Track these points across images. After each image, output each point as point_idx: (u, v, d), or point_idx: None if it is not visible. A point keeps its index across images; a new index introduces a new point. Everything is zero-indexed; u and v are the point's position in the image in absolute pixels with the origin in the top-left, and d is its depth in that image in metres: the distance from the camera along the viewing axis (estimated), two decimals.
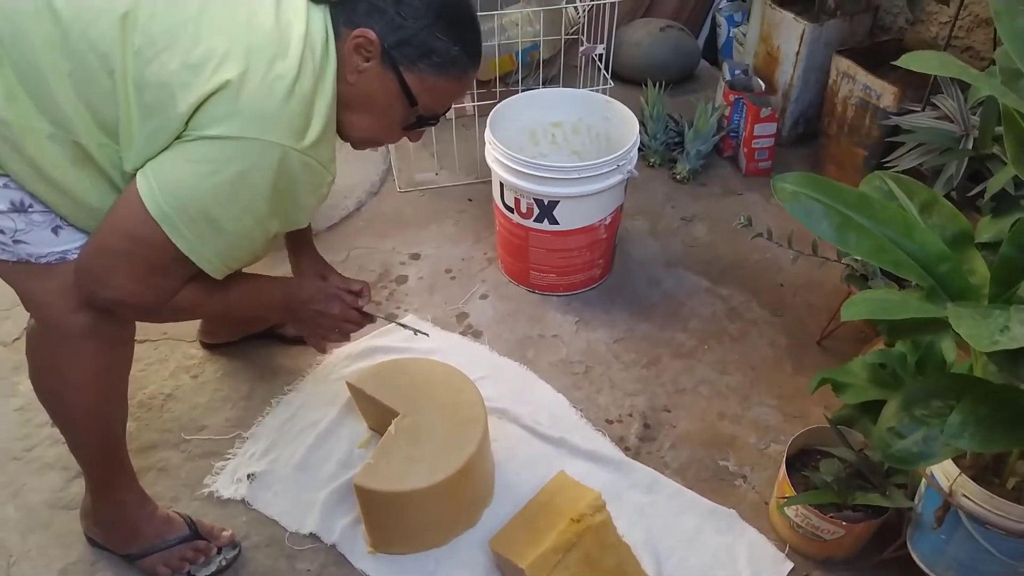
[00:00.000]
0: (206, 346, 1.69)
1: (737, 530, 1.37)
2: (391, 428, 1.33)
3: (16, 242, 1.02)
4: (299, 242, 1.42)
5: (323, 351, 1.47)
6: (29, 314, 1.11)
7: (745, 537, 1.36)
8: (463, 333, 1.75)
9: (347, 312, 1.33)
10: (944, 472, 1.08)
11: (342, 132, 1.14)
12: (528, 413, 1.55)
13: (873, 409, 1.33)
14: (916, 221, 0.99)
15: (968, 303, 0.92)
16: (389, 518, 1.30)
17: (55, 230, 1.04)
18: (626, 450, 1.50)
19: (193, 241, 1.00)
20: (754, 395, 1.62)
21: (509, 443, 1.50)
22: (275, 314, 1.49)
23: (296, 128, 1.00)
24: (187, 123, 0.97)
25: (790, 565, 1.31)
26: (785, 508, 1.29)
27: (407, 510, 1.28)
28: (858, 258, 1.53)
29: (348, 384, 1.46)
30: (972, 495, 1.05)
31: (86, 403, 1.14)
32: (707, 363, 1.69)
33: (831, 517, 1.23)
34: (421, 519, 1.30)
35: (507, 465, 1.46)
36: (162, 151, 0.99)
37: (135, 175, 0.99)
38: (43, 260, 1.04)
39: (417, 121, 1.16)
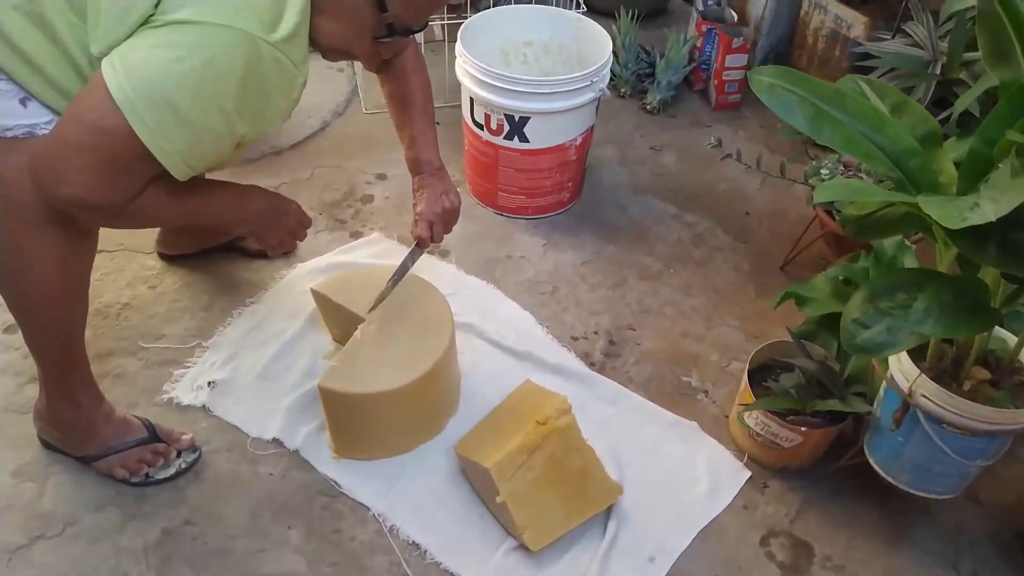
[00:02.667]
0: (164, 257, 1.65)
1: (697, 440, 1.39)
2: (356, 333, 1.31)
3: None
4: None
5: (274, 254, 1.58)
6: None
7: (705, 447, 1.38)
8: (430, 252, 1.73)
9: (301, 217, 1.33)
10: (904, 373, 1.10)
11: (312, 39, 1.10)
12: (494, 328, 1.54)
13: (833, 323, 1.36)
14: (888, 117, 0.99)
15: (937, 194, 0.92)
16: (354, 422, 1.29)
17: (23, 101, 0.99)
18: (591, 365, 1.51)
19: (155, 131, 0.96)
20: (717, 316, 1.63)
21: (474, 356, 1.50)
22: (237, 225, 1.45)
23: (267, 20, 0.98)
24: (156, 6, 0.94)
25: (748, 473, 1.34)
26: (745, 417, 1.31)
27: (372, 414, 1.27)
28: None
29: (312, 291, 1.43)
30: (931, 395, 1.07)
31: (47, 291, 1.10)
32: (672, 285, 1.70)
33: (789, 423, 1.25)
34: (386, 424, 1.30)
35: (472, 377, 1.46)
36: (129, 37, 0.95)
37: (102, 62, 0.96)
38: (9, 133, 1.00)
39: (387, 31, 1.12)
